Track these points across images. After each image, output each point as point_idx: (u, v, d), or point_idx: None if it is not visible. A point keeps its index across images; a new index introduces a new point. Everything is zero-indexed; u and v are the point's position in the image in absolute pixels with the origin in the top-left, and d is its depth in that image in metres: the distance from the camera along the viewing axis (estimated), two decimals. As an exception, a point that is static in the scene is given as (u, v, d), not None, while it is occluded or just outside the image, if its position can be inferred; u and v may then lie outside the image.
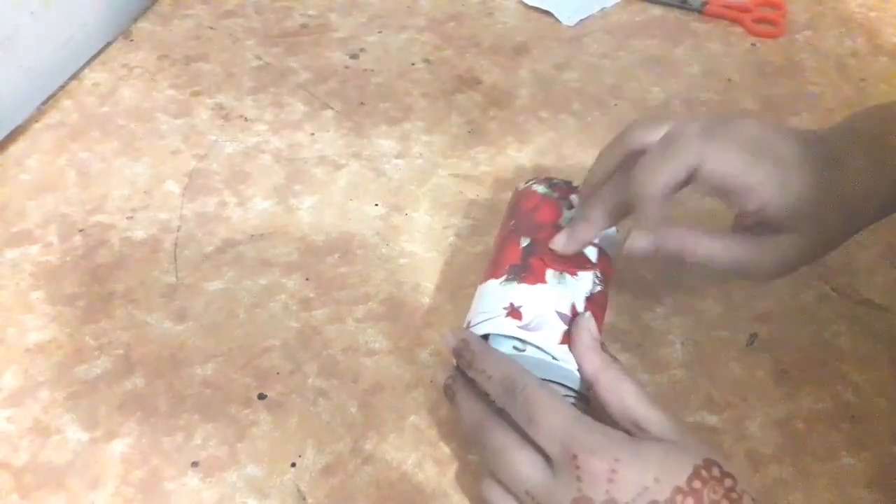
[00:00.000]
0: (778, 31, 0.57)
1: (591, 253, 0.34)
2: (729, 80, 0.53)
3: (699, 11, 0.59)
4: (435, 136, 0.49)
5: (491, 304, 0.32)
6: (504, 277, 0.33)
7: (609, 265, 0.35)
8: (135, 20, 0.58)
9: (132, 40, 0.56)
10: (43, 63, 0.51)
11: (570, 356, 0.31)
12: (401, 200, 0.45)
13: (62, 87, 0.52)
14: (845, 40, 0.56)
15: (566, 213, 0.35)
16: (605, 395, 0.29)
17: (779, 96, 0.51)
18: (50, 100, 0.51)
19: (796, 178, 0.30)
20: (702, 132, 0.30)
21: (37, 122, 0.50)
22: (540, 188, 0.36)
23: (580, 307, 0.32)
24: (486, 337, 0.32)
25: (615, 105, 0.51)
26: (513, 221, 0.36)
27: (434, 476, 0.33)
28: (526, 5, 0.59)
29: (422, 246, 0.42)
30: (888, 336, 0.38)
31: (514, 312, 0.32)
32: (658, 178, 0.30)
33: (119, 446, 0.34)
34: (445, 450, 0.34)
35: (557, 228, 0.34)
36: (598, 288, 0.34)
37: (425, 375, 0.36)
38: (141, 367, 0.37)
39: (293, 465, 0.33)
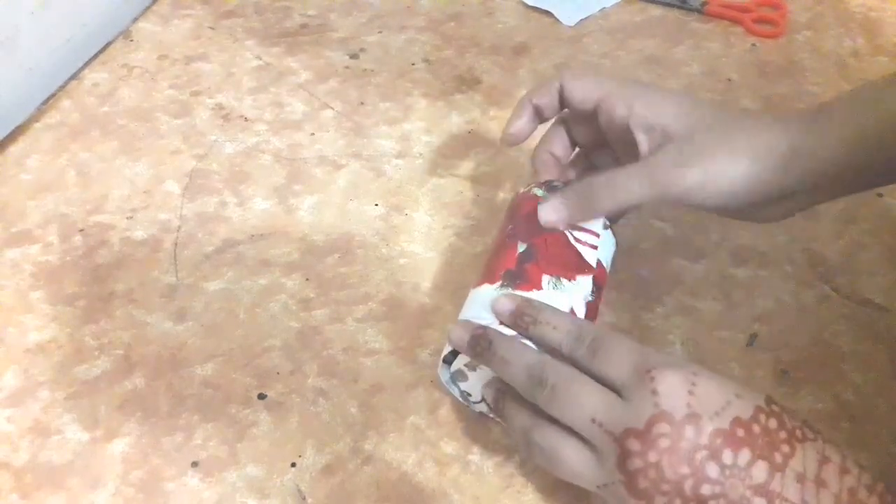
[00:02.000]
0: (778, 30, 0.57)
1: (591, 257, 0.34)
2: (729, 80, 0.53)
3: (699, 11, 0.59)
4: (435, 136, 0.49)
5: (482, 310, 0.32)
6: (499, 283, 0.33)
7: (604, 277, 0.35)
8: (135, 20, 0.58)
9: (132, 40, 0.56)
10: (43, 63, 0.51)
11: None
12: (401, 200, 0.45)
13: (62, 87, 0.52)
14: (845, 40, 0.56)
15: None
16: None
17: (779, 96, 0.51)
18: (50, 100, 0.51)
19: (671, 97, 0.33)
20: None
21: (37, 122, 0.50)
22: (539, 192, 0.36)
23: (579, 311, 0.32)
24: None
25: (615, 105, 0.51)
26: (511, 226, 0.35)
27: (434, 476, 0.33)
28: (526, 5, 0.59)
29: (422, 246, 0.42)
30: (888, 336, 0.38)
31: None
32: (528, 95, 0.36)
33: (119, 446, 0.34)
34: (446, 450, 0.34)
35: (555, 233, 0.34)
36: (593, 297, 0.33)
37: (425, 375, 0.36)
38: (141, 367, 0.37)
39: (293, 465, 0.33)
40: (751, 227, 0.43)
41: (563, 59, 0.55)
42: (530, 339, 0.30)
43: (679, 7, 0.59)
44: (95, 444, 0.34)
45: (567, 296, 0.32)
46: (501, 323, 0.31)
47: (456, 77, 0.53)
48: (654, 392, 0.25)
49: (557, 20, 0.58)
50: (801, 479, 0.24)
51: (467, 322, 0.31)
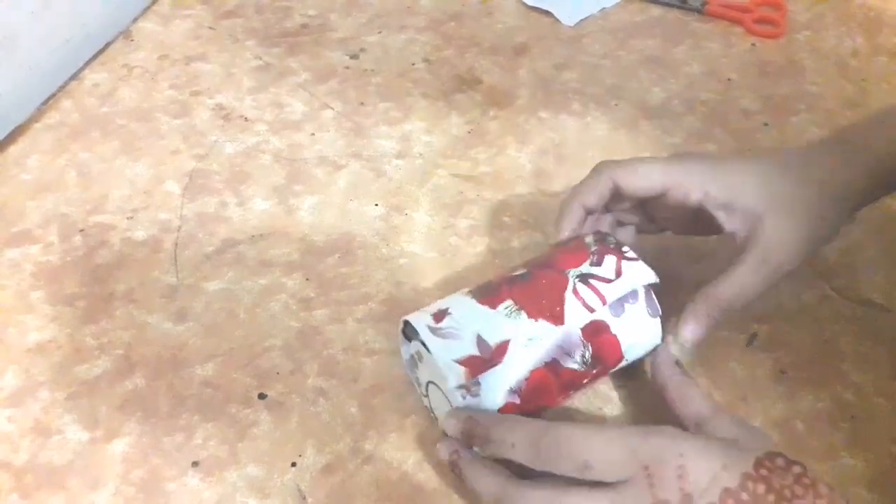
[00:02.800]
0: (778, 30, 0.57)
1: (576, 315, 0.32)
2: (729, 79, 0.53)
3: (699, 11, 0.59)
4: (435, 137, 0.49)
5: (440, 304, 0.33)
6: (470, 289, 0.33)
7: (598, 350, 0.32)
8: (135, 20, 0.58)
9: (132, 40, 0.56)
10: (43, 63, 0.51)
11: (460, 376, 0.30)
12: (401, 200, 0.45)
13: (62, 88, 0.52)
14: (846, 40, 0.56)
15: (583, 267, 0.33)
16: (673, 396, 0.31)
17: (779, 96, 0.51)
18: (50, 100, 0.51)
19: (733, 169, 0.35)
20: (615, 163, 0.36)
21: (37, 122, 0.50)
22: (588, 238, 0.35)
23: (514, 350, 0.30)
24: (406, 325, 0.33)
25: (615, 105, 0.51)
26: (543, 256, 0.35)
27: (434, 476, 0.33)
28: (526, 5, 0.59)
29: (422, 246, 0.42)
30: (888, 336, 0.38)
31: (439, 314, 0.32)
32: (577, 198, 0.36)
33: (119, 446, 0.34)
34: (446, 450, 0.34)
35: (560, 275, 0.33)
36: (572, 366, 0.31)
37: (425, 375, 0.36)
38: (141, 367, 0.37)
39: (293, 464, 0.33)
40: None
41: (563, 59, 0.55)
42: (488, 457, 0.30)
43: (679, 7, 0.59)
44: (96, 444, 0.34)
45: (513, 329, 0.31)
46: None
47: (456, 77, 0.53)
48: (651, 485, 0.27)
49: (557, 20, 0.58)
50: None
51: (458, 412, 0.30)
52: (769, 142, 0.48)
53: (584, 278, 0.33)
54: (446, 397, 0.31)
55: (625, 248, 0.34)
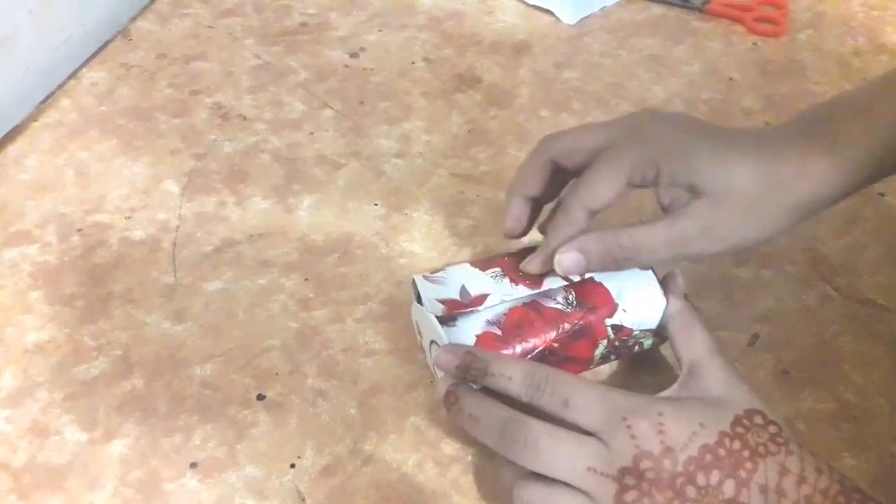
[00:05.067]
0: (779, 29, 0.57)
1: (552, 281, 0.33)
2: (730, 79, 0.53)
3: (700, 10, 0.58)
4: (435, 136, 0.49)
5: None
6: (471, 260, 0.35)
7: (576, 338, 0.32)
8: (133, 19, 0.57)
9: (131, 39, 0.56)
10: (41, 62, 0.51)
11: (437, 309, 0.32)
12: (401, 200, 0.45)
13: (60, 87, 0.52)
14: (847, 39, 0.56)
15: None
16: (676, 331, 0.32)
17: (780, 96, 0.51)
18: (48, 99, 0.51)
19: (690, 148, 0.31)
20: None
21: (35, 121, 0.49)
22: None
23: (490, 303, 0.32)
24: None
25: (616, 104, 0.51)
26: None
27: (434, 477, 0.33)
28: (526, 4, 0.59)
29: (422, 246, 0.42)
30: (890, 336, 0.38)
31: (436, 271, 0.34)
32: (516, 190, 0.35)
33: (118, 447, 0.34)
34: (446, 450, 0.34)
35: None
36: (554, 305, 0.32)
37: (425, 376, 0.36)
38: (140, 367, 0.37)
39: (292, 466, 0.33)
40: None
41: (563, 57, 0.54)
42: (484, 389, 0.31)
43: (680, 6, 0.59)
44: (94, 445, 0.34)
45: (493, 286, 0.33)
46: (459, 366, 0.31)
47: (456, 76, 0.53)
48: (633, 437, 0.28)
49: (558, 19, 0.58)
50: (764, 490, 0.27)
51: (455, 346, 0.31)
52: (770, 141, 0.48)
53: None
54: (435, 342, 0.32)
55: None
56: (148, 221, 0.44)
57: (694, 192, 0.31)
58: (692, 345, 0.32)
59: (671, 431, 0.28)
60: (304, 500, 0.32)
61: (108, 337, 0.38)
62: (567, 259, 0.32)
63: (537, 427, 0.29)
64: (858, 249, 0.42)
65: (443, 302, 0.32)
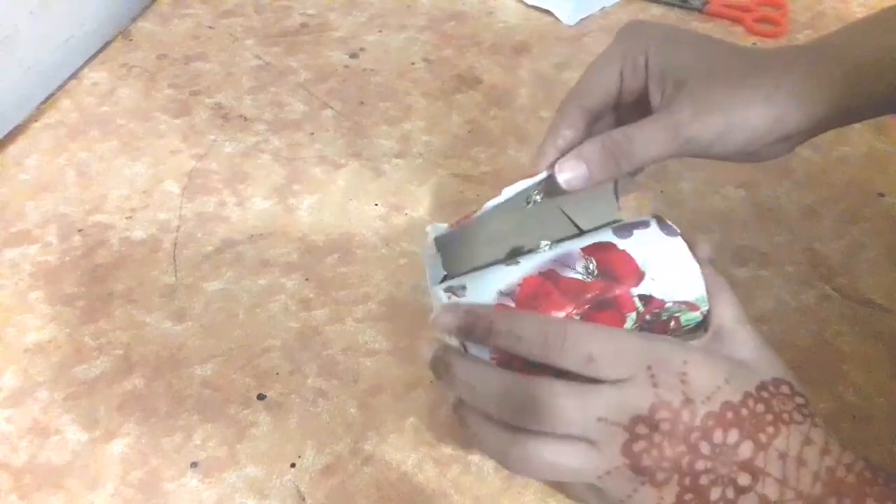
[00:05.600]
0: (779, 30, 0.57)
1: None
2: (729, 79, 0.53)
3: (699, 11, 0.58)
4: (435, 136, 0.49)
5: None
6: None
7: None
8: (134, 20, 0.57)
9: (131, 40, 0.56)
10: (42, 62, 0.51)
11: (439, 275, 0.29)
12: (401, 200, 0.45)
13: (61, 87, 0.52)
14: (846, 39, 0.56)
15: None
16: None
17: (779, 96, 0.51)
18: (49, 99, 0.51)
19: (684, 42, 0.31)
20: None
21: (36, 121, 0.50)
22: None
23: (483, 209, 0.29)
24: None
25: (615, 104, 0.51)
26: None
27: (434, 476, 0.33)
28: (526, 4, 0.59)
29: (422, 246, 0.42)
30: (889, 336, 0.38)
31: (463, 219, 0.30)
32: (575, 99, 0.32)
33: (118, 447, 0.34)
34: (445, 450, 0.34)
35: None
36: (573, 275, 0.29)
37: (425, 376, 0.36)
38: (140, 367, 0.37)
39: (293, 465, 0.33)
40: (752, 227, 0.43)
41: (563, 58, 0.54)
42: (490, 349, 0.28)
43: (680, 6, 0.59)
44: (94, 445, 0.34)
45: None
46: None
47: (456, 76, 0.53)
48: (654, 384, 0.26)
49: (558, 19, 0.58)
50: (783, 456, 0.26)
51: (454, 306, 0.28)
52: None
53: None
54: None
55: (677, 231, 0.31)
56: (148, 221, 0.44)
57: (681, 84, 0.30)
58: (719, 309, 0.29)
59: (694, 382, 0.26)
60: (304, 499, 0.32)
61: (109, 337, 0.38)
62: (568, 168, 0.30)
63: (545, 386, 0.26)
64: (858, 249, 0.42)
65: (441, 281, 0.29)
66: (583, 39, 0.56)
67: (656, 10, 0.59)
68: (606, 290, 0.29)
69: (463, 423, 0.28)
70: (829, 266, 0.41)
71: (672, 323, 0.30)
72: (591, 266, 0.29)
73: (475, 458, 0.34)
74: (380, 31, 0.57)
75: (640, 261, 0.29)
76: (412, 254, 0.42)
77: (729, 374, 0.26)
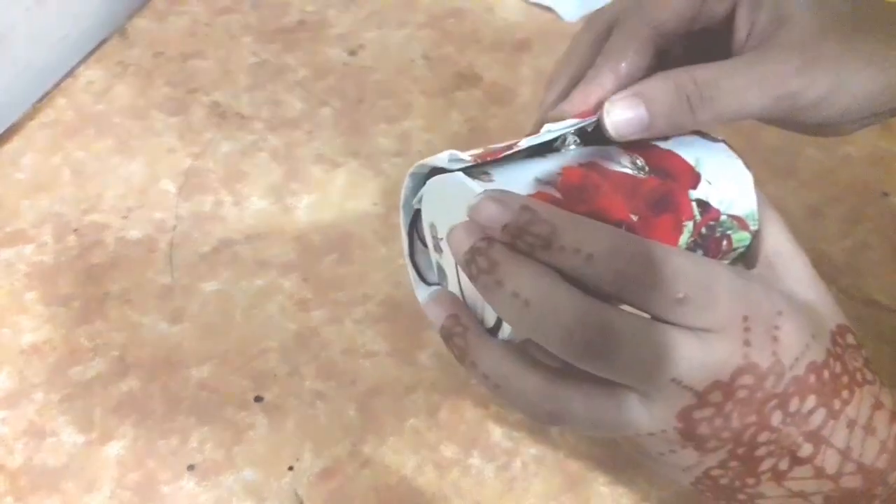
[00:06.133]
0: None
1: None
2: (732, 76, 0.52)
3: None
4: (435, 135, 0.48)
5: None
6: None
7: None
8: (130, 17, 0.57)
9: (127, 37, 0.55)
10: (37, 60, 0.51)
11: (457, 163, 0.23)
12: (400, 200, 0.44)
13: (57, 85, 0.51)
14: (850, 36, 0.55)
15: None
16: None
17: (782, 93, 0.51)
18: (44, 98, 0.50)
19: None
20: None
21: (31, 120, 0.49)
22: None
23: (528, 143, 0.23)
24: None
25: (617, 102, 0.50)
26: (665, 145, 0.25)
27: (434, 480, 0.33)
28: (527, 1, 0.59)
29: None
30: (894, 336, 0.37)
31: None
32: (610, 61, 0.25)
33: (114, 449, 0.34)
34: (446, 453, 0.33)
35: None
36: (621, 168, 0.23)
37: (425, 377, 0.36)
38: (136, 368, 0.36)
39: (290, 468, 0.33)
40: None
41: (564, 55, 0.54)
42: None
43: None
44: (90, 447, 0.34)
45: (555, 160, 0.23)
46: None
47: (456, 74, 0.53)
48: (747, 342, 0.21)
49: (559, 16, 0.57)
50: (851, 425, 0.23)
51: (506, 194, 0.21)
52: (773, 140, 0.48)
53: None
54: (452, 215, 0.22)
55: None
56: (145, 221, 0.43)
57: (783, 20, 0.24)
58: (770, 232, 0.24)
59: (786, 340, 0.22)
60: (302, 502, 0.32)
61: (105, 338, 0.38)
62: (621, 108, 0.23)
63: (627, 322, 0.20)
64: (863, 249, 0.41)
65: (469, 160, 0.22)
66: (584, 36, 0.56)
67: (658, 7, 0.58)
68: (663, 189, 0.23)
69: (475, 364, 0.22)
70: (833, 266, 0.41)
71: (724, 243, 0.24)
72: (639, 162, 0.23)
73: (475, 461, 0.33)
74: (379, 28, 0.56)
75: (692, 161, 0.24)
76: (411, 254, 0.42)
77: (814, 329, 0.22)
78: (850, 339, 0.24)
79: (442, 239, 0.24)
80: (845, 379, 0.23)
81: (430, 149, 0.47)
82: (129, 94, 0.51)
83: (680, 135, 0.25)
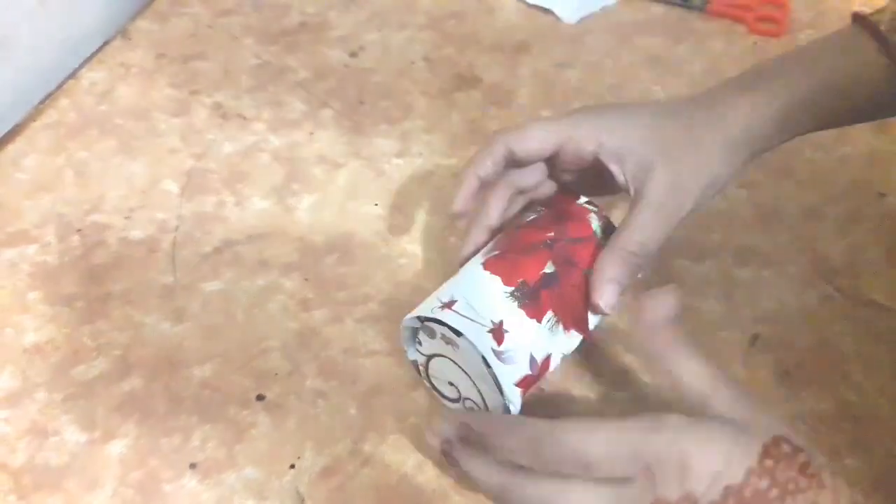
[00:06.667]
0: (780, 29, 0.56)
1: (591, 322, 0.34)
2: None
3: (701, 10, 0.58)
4: (435, 136, 0.48)
5: (483, 308, 0.31)
6: (511, 290, 0.32)
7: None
8: (132, 19, 0.57)
9: (130, 39, 0.56)
10: (40, 62, 0.51)
11: (517, 399, 0.31)
12: (401, 200, 0.45)
13: (60, 87, 0.52)
14: (848, 38, 0.56)
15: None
16: (668, 368, 0.29)
17: (781, 95, 0.51)
18: (47, 99, 0.51)
19: (626, 116, 0.35)
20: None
21: (34, 121, 0.49)
22: (594, 224, 0.35)
23: (553, 363, 0.32)
24: (454, 330, 0.31)
25: (616, 104, 0.51)
26: (553, 234, 0.34)
27: (434, 478, 0.33)
28: (527, 3, 0.59)
29: (422, 246, 0.42)
30: (891, 337, 0.38)
31: (497, 333, 0.31)
32: (471, 168, 0.35)
33: (117, 448, 0.34)
34: (445, 451, 0.34)
35: (583, 277, 0.33)
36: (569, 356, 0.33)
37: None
38: (139, 368, 0.37)
39: (292, 466, 0.33)
40: (754, 227, 0.43)
41: (564, 57, 0.54)
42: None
43: (681, 5, 0.59)
44: (93, 446, 0.34)
45: (553, 343, 0.32)
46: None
47: (456, 75, 0.53)
48: (653, 484, 0.26)
49: (558, 18, 0.58)
50: None
51: (451, 417, 0.30)
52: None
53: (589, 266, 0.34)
54: (474, 384, 0.32)
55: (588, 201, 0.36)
56: (147, 221, 0.43)
57: (648, 167, 0.33)
58: (688, 370, 0.29)
59: (694, 474, 0.26)
60: (303, 500, 0.32)
61: (107, 337, 0.38)
62: (608, 295, 0.33)
63: (549, 484, 0.27)
64: (860, 250, 0.42)
65: (519, 384, 0.31)
66: (583, 38, 0.56)
67: (657, 9, 0.59)
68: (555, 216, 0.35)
69: (457, 464, 0.30)
70: (830, 266, 0.41)
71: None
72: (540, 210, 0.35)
73: (475, 459, 0.33)
74: (379, 30, 0.57)
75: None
76: (412, 254, 0.42)
77: (729, 455, 0.26)
78: (786, 448, 0.26)
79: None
80: (774, 492, 0.26)
81: (431, 149, 0.48)
82: (132, 96, 0.51)
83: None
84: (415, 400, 0.35)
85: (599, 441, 0.27)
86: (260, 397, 0.36)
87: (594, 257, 0.33)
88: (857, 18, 0.35)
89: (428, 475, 0.33)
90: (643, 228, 0.33)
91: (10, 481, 0.33)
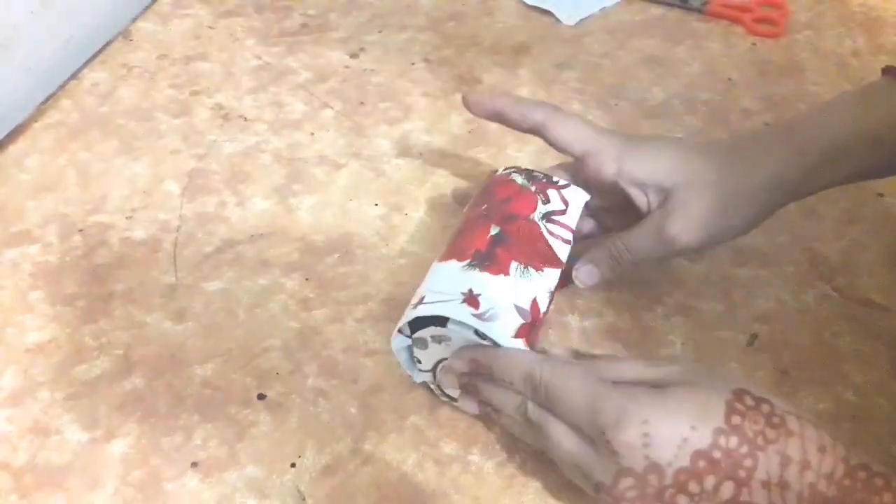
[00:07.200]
0: (778, 30, 0.57)
1: (562, 252, 0.34)
2: (729, 79, 0.53)
3: (700, 11, 0.58)
4: (435, 136, 0.49)
5: (448, 286, 0.32)
6: (467, 262, 0.33)
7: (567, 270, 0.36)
8: (134, 20, 0.57)
9: (132, 40, 0.56)
10: (42, 62, 0.51)
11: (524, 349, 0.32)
12: (401, 200, 0.45)
13: (62, 87, 0.52)
14: (846, 40, 0.56)
15: (540, 208, 0.35)
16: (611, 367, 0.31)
17: (779, 96, 0.51)
18: (49, 99, 0.51)
19: (654, 148, 0.35)
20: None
21: (36, 121, 0.50)
22: (518, 178, 0.36)
23: (542, 303, 0.33)
24: (441, 320, 0.32)
25: (616, 105, 0.51)
26: (485, 206, 0.36)
27: (434, 476, 0.33)
28: (526, 4, 0.59)
29: (422, 246, 0.42)
30: (889, 336, 0.38)
31: (471, 299, 0.31)
32: (512, 98, 0.37)
33: (119, 446, 0.34)
34: (446, 450, 0.34)
35: (529, 222, 0.34)
36: (555, 290, 0.34)
37: (425, 376, 0.36)
38: (140, 367, 0.37)
39: (293, 465, 0.33)
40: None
41: (563, 58, 0.54)
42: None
43: (679, 7, 0.59)
44: (95, 445, 0.34)
45: (532, 286, 0.33)
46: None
47: (456, 76, 0.53)
48: (615, 452, 0.27)
49: (558, 20, 0.58)
50: (766, 485, 0.26)
51: (463, 352, 0.32)
52: (770, 141, 0.48)
53: (547, 217, 0.35)
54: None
55: (555, 179, 0.37)
56: (149, 221, 0.44)
57: (663, 190, 0.34)
58: (639, 373, 0.31)
59: (657, 443, 0.26)
60: (304, 499, 0.32)
61: (109, 337, 0.38)
62: (584, 273, 0.36)
63: (540, 420, 0.30)
64: (858, 249, 0.42)
65: (517, 335, 0.31)
66: (583, 40, 0.56)
67: (656, 11, 0.59)
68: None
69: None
70: (828, 266, 0.41)
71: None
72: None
73: (475, 457, 0.34)
74: (380, 32, 0.57)
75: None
76: (412, 254, 0.42)
77: (693, 417, 0.26)
78: (749, 400, 0.27)
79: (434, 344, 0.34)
80: (745, 449, 0.26)
81: (431, 150, 0.48)
82: (134, 96, 0.51)
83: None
84: (415, 399, 0.36)
85: (570, 388, 0.29)
86: (261, 396, 0.36)
87: (532, 201, 0.35)
88: (889, 70, 0.35)
89: (428, 473, 0.33)
90: (636, 244, 0.35)
91: (12, 480, 0.33)
